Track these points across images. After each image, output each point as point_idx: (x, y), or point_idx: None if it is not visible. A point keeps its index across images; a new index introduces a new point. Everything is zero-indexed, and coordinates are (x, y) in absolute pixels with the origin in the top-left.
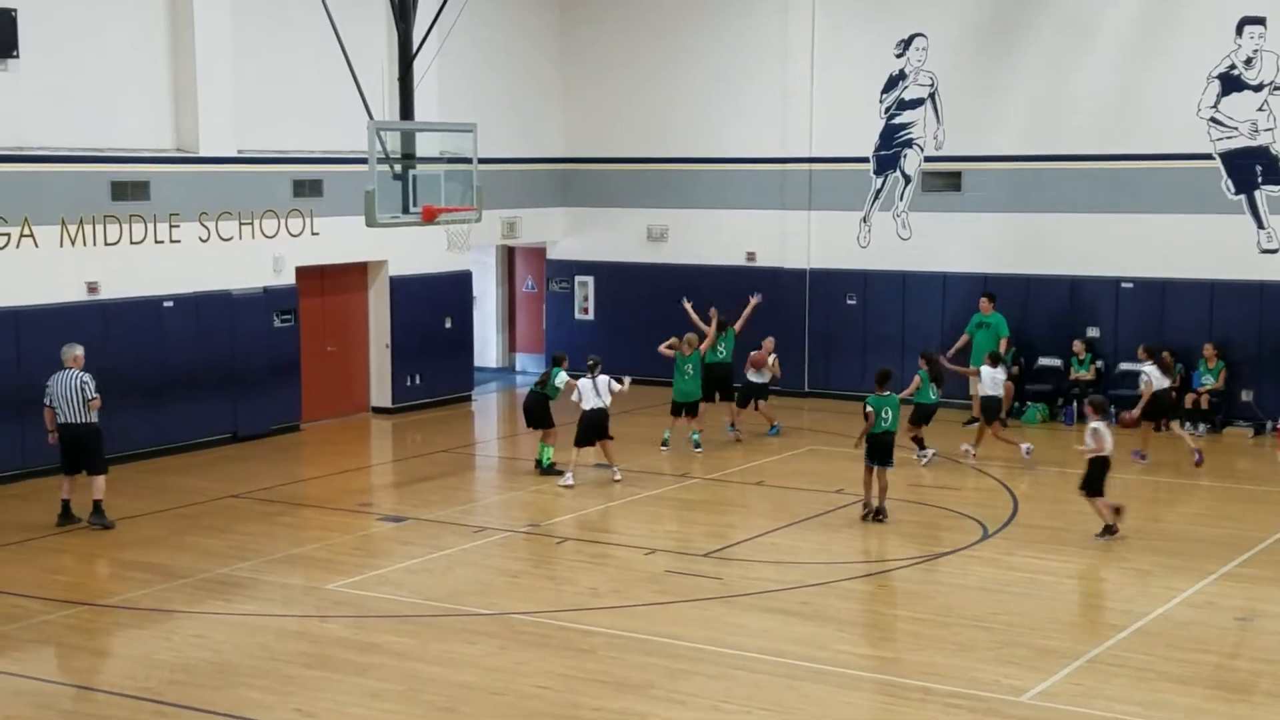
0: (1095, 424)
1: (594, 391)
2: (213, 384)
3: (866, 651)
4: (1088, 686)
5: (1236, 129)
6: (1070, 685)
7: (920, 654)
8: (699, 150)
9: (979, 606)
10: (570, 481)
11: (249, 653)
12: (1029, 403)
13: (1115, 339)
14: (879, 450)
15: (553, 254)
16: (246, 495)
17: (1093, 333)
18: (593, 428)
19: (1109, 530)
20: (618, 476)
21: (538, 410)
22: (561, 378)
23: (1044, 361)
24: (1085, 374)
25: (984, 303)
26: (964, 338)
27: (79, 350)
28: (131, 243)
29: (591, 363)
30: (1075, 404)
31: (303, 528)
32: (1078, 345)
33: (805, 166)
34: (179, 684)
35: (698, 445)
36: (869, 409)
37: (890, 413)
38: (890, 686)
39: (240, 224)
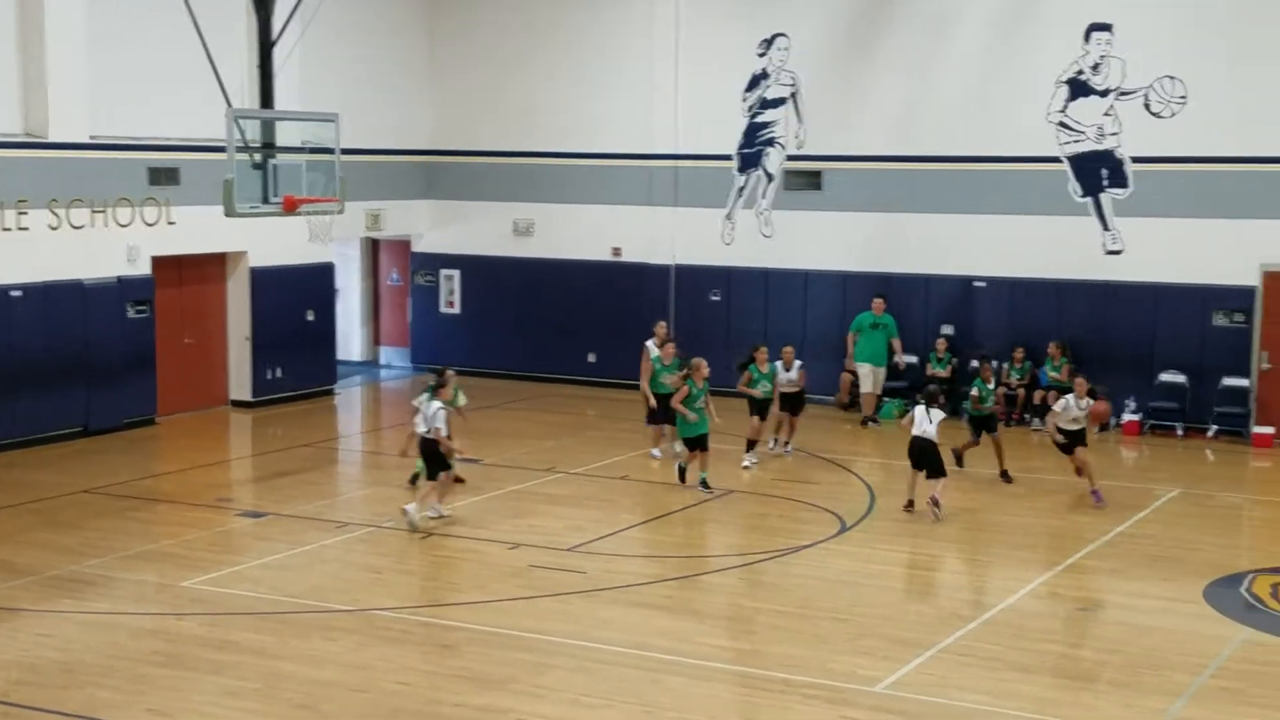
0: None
1: (422, 418)
2: (64, 376)
3: (727, 644)
4: (939, 676)
5: (1084, 133)
6: (922, 675)
7: (780, 646)
8: (566, 145)
9: (836, 599)
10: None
11: (100, 652)
12: (885, 399)
13: (969, 337)
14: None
15: (418, 247)
16: (99, 490)
17: (946, 330)
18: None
19: (909, 506)
20: (446, 513)
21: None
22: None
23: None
24: (943, 371)
25: (877, 303)
26: (851, 336)
27: None
28: None
29: (434, 383)
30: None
31: (158, 523)
32: (939, 343)
33: (671, 163)
34: (26, 684)
35: (706, 485)
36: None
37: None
38: (750, 679)
39: (93, 212)
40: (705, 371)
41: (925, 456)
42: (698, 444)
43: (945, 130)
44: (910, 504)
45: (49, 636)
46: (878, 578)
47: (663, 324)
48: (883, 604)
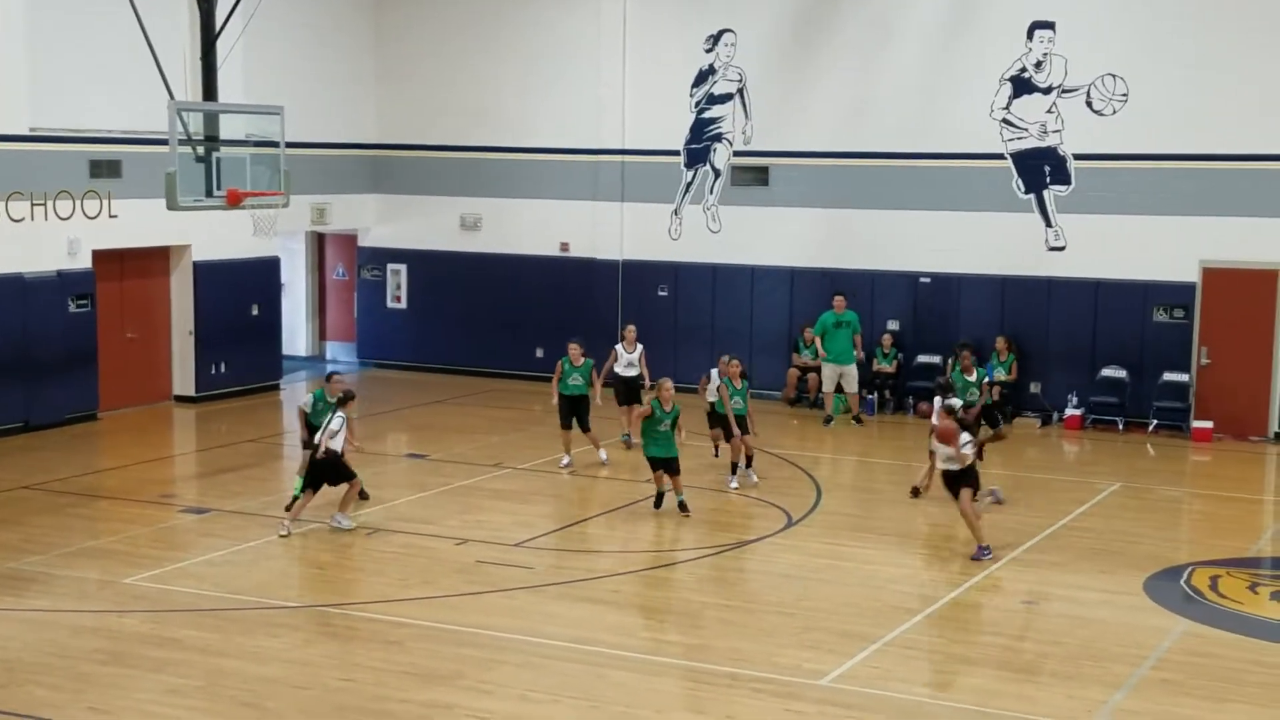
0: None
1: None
2: (3, 371)
3: (675, 639)
4: (884, 669)
5: (1027, 130)
6: (868, 668)
7: (727, 640)
8: (514, 140)
9: (782, 593)
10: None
11: (39, 650)
12: (833, 394)
13: (913, 333)
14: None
15: (364, 241)
16: (39, 486)
17: (892, 325)
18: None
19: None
20: (344, 524)
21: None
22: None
23: None
24: (888, 367)
25: (839, 301)
26: (811, 336)
27: None
28: None
29: (342, 396)
30: (877, 395)
31: (99, 520)
32: (885, 338)
33: (618, 158)
34: None
35: (683, 508)
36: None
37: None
38: (698, 673)
39: (33, 204)
40: (670, 392)
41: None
42: (663, 466)
43: (891, 127)
44: (917, 490)
45: None
46: (824, 572)
47: (632, 327)
48: (829, 598)
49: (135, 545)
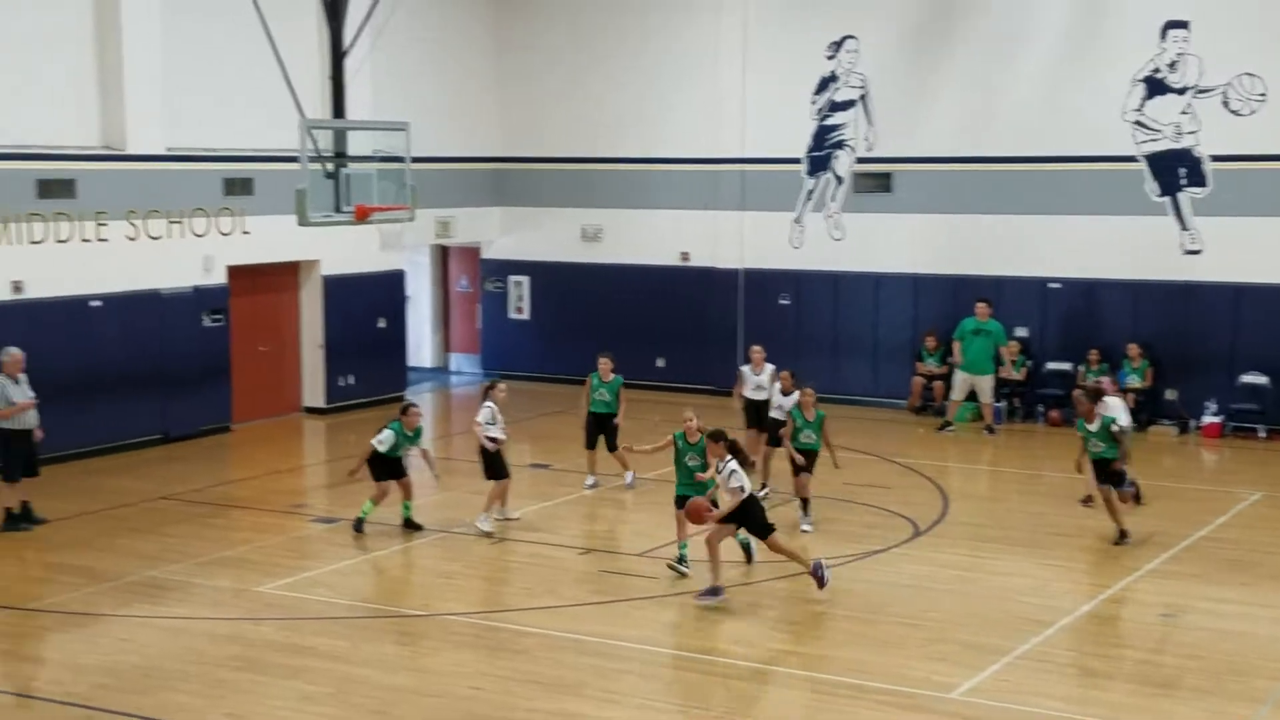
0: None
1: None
2: (142, 384)
3: (797, 649)
4: (1015, 683)
5: (1161, 132)
6: (998, 682)
7: (851, 651)
8: (633, 150)
9: (909, 604)
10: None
11: (178, 656)
12: (960, 402)
13: (1042, 339)
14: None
15: (487, 253)
16: (176, 497)
17: (1021, 332)
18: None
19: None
20: (485, 526)
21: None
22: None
23: None
24: (1017, 375)
25: (981, 308)
26: (934, 343)
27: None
28: (57, 241)
29: (489, 383)
30: (1006, 402)
31: (233, 529)
32: (1012, 346)
33: (738, 167)
34: (106, 689)
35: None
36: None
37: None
38: (821, 684)
39: (170, 223)
40: (693, 424)
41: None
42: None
43: (1018, 130)
44: (1089, 499)
45: (128, 641)
46: (952, 583)
47: (758, 348)
48: (957, 609)
49: (268, 554)
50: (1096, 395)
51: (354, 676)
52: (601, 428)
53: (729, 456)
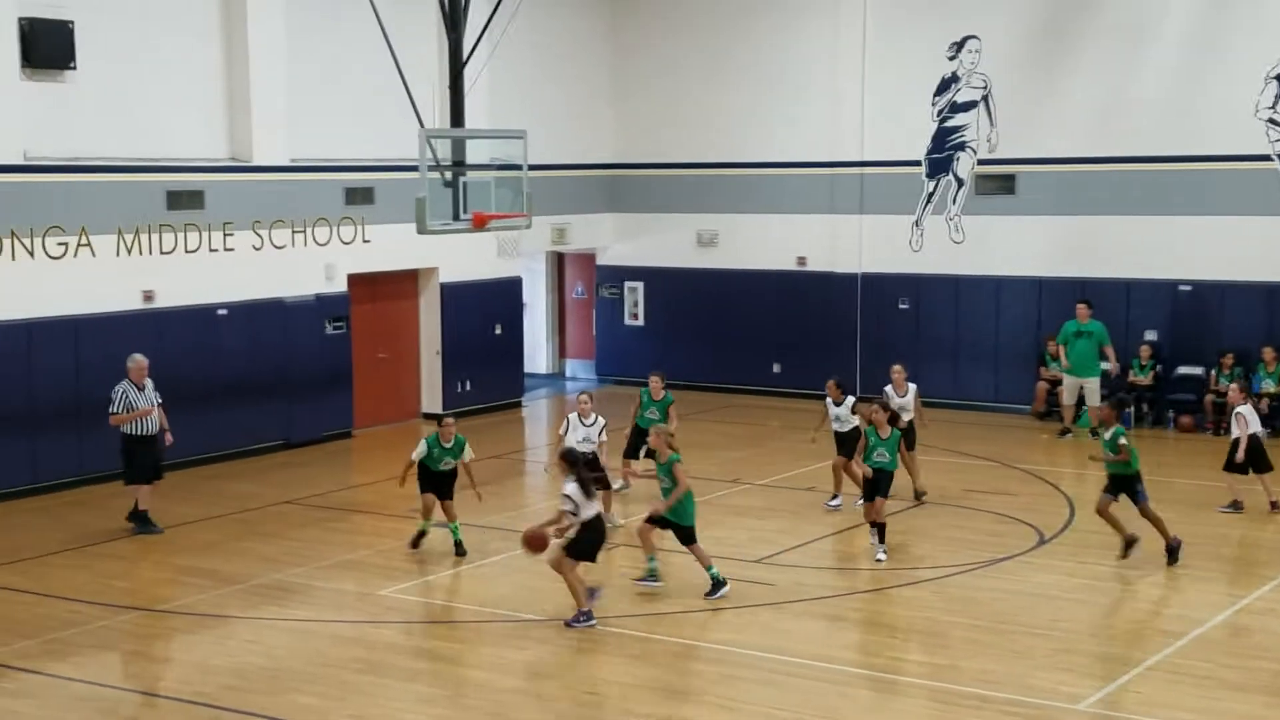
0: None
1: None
2: (266, 391)
3: (920, 658)
4: (1146, 694)
5: None
6: (1129, 693)
7: (976, 661)
8: (748, 155)
9: (1035, 613)
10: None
11: (303, 658)
12: (1082, 407)
13: (1172, 343)
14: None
15: (602, 260)
16: (300, 501)
17: (1150, 335)
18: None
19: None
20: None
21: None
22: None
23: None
24: (1144, 379)
25: (1081, 310)
26: (1056, 348)
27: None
28: (186, 251)
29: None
30: (1133, 407)
31: (355, 533)
32: (1143, 350)
33: (856, 170)
34: (234, 689)
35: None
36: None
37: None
38: (945, 694)
39: (293, 232)
40: (670, 436)
41: (1261, 456)
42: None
43: (1145, 129)
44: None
45: (255, 643)
46: (1079, 592)
47: (899, 367)
48: (1085, 619)
49: (388, 558)
50: (1120, 406)
51: (472, 680)
52: (644, 441)
53: (569, 477)
